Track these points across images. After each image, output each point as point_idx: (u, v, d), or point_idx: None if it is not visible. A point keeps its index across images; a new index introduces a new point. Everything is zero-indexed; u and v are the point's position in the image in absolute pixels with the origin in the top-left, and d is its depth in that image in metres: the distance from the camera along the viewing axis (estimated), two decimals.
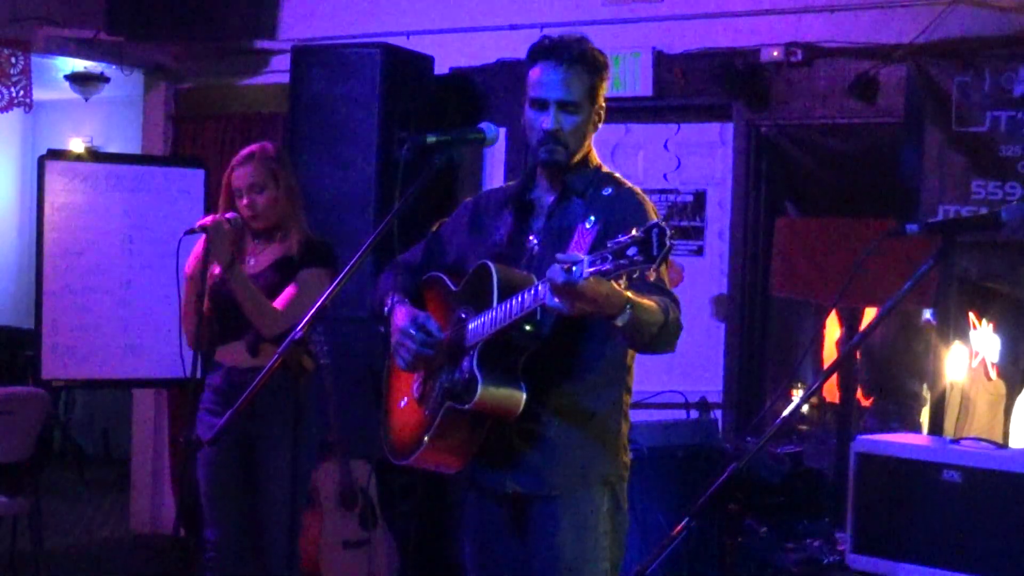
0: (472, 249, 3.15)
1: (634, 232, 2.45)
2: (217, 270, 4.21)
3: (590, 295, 2.57)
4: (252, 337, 4.24)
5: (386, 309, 3.18)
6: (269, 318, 4.17)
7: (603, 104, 3.07)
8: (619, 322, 2.65)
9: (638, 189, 3.08)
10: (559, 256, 2.58)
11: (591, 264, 2.49)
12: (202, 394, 4.38)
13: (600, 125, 3.09)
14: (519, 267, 3.00)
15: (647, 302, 2.73)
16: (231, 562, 4.35)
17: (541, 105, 2.99)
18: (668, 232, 2.42)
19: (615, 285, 2.58)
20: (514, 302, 2.79)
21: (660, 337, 2.78)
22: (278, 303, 4.21)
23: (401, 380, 3.19)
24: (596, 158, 3.11)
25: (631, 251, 2.45)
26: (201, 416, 4.32)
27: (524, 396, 2.89)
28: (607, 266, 2.47)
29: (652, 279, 2.49)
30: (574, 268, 2.52)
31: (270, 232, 4.32)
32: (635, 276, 2.46)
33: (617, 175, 3.12)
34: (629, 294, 2.64)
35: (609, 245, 2.48)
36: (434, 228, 3.35)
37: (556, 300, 2.60)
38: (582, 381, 3.01)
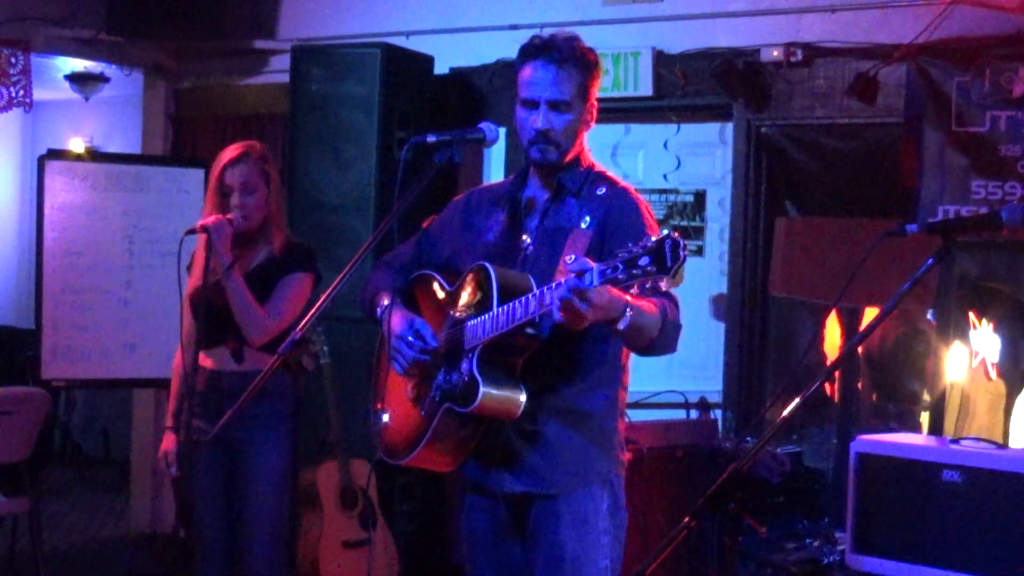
0: (464, 247, 3.15)
1: (645, 242, 2.46)
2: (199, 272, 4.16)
3: (598, 303, 2.57)
4: (236, 344, 4.17)
5: (379, 311, 3.15)
6: (258, 324, 4.13)
7: (595, 103, 3.07)
8: (621, 326, 2.66)
9: (631, 187, 3.09)
10: (568, 264, 2.58)
11: (601, 273, 2.50)
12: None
13: (593, 123, 3.09)
14: (513, 266, 3.00)
15: (645, 305, 2.73)
16: (215, 565, 4.31)
17: (531, 104, 3.00)
18: (682, 244, 2.44)
19: (614, 290, 2.58)
20: (517, 306, 2.78)
21: (660, 339, 2.79)
22: (264, 309, 4.17)
23: (394, 380, 3.18)
24: (588, 157, 3.11)
25: (643, 261, 2.46)
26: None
27: (524, 398, 2.89)
28: (620, 275, 2.48)
29: (664, 289, 2.50)
30: (584, 276, 2.52)
31: (254, 234, 4.23)
32: (648, 286, 2.47)
33: (610, 174, 3.11)
34: (628, 298, 2.64)
35: (620, 255, 2.49)
36: (424, 226, 3.35)
37: (560, 315, 2.60)
38: (579, 381, 3.01)
